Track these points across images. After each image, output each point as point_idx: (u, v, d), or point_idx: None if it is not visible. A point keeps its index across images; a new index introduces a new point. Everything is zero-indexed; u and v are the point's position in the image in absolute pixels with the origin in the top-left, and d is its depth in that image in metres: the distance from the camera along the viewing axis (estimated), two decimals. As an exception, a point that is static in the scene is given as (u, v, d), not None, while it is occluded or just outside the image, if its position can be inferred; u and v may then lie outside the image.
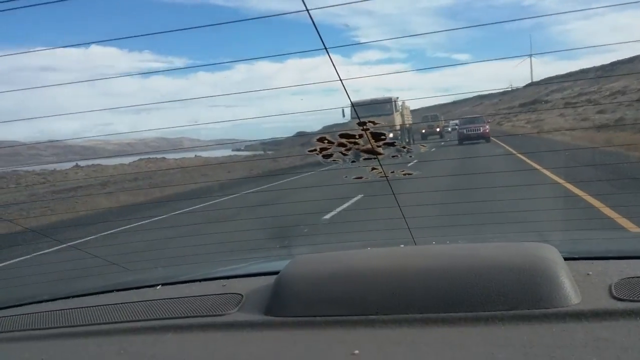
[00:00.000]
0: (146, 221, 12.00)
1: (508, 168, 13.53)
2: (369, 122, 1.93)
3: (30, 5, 1.82)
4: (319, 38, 1.37)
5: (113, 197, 18.56)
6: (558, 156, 13.95)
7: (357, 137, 2.01)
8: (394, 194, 2.31)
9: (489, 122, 34.94)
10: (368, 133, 1.96)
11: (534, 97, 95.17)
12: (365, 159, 2.10)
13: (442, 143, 34.69)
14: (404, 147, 2.18)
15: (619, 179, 9.21)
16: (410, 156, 2.14)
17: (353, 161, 2.24)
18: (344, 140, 2.05)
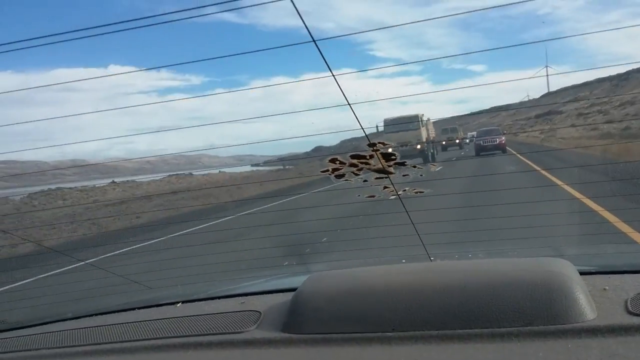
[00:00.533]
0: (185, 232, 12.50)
1: (521, 179, 13.36)
2: (380, 143, 1.97)
3: (53, 43, 1.89)
4: (327, 66, 1.41)
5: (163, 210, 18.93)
6: (569, 165, 14.10)
7: (368, 157, 2.05)
8: (407, 211, 2.33)
9: (505, 133, 36.55)
10: (378, 154, 2.00)
11: (549, 108, 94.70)
12: (377, 178, 2.14)
13: (462, 153, 36.58)
14: (414, 167, 2.21)
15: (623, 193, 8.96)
16: (421, 175, 2.17)
17: (365, 180, 2.27)
18: (355, 161, 2.09)
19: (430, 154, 33.92)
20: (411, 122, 34.01)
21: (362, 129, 1.82)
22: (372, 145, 1.97)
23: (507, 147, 32.74)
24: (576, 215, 7.40)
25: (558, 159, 20.31)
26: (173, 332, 1.54)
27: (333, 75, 1.54)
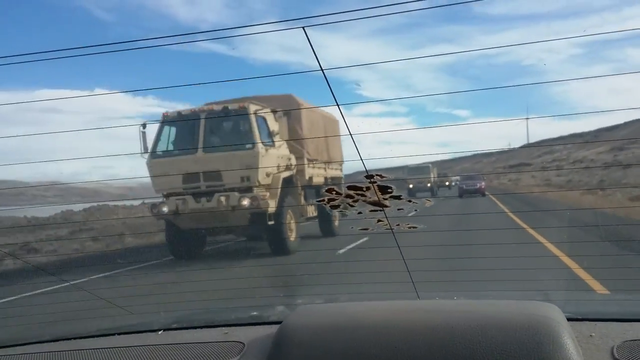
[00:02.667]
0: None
1: (496, 220, 14.40)
2: (377, 175, 1.96)
3: (37, 60, 1.87)
4: (332, 96, 1.41)
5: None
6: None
7: (365, 189, 2.03)
8: (398, 247, 2.30)
9: (484, 179, 39.21)
10: (375, 186, 1.99)
11: (522, 159, 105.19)
12: (371, 210, 2.12)
13: (441, 198, 36.49)
14: (410, 201, 2.19)
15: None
16: (416, 210, 2.17)
17: (359, 212, 2.25)
18: (351, 192, 2.07)
19: (436, 189, 47.32)
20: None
21: (362, 159, 1.80)
22: (369, 177, 1.96)
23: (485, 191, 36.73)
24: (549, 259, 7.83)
25: (520, 201, 25.96)
26: (155, 359, 1.49)
27: (337, 105, 1.54)
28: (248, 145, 11.04)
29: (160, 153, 11.62)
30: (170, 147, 11.78)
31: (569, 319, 1.35)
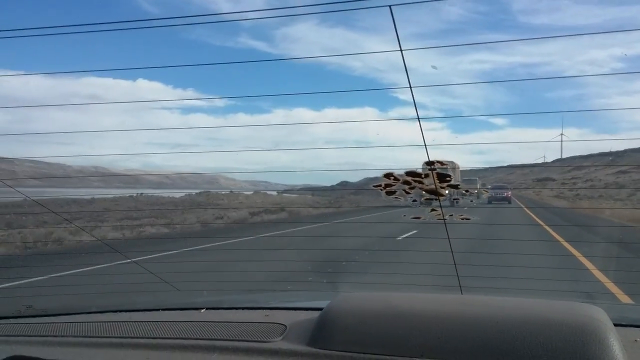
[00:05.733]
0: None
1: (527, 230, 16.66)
2: (438, 162, 1.96)
3: (86, 32, 1.95)
4: (415, 109, 1.42)
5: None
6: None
7: (423, 176, 2.03)
8: (448, 238, 2.29)
9: (511, 189, 48.82)
10: (434, 173, 1.99)
11: (549, 173, 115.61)
12: (426, 199, 2.12)
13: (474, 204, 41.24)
14: (467, 191, 2.19)
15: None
16: (472, 201, 2.16)
17: (414, 200, 2.26)
18: (409, 179, 2.07)
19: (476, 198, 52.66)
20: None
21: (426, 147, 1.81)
22: (430, 163, 1.95)
23: (512, 199, 44.79)
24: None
25: (542, 207, 33.48)
26: (198, 334, 1.51)
27: (418, 119, 1.56)
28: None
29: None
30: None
31: (614, 324, 1.32)
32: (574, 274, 6.71)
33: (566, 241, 12.41)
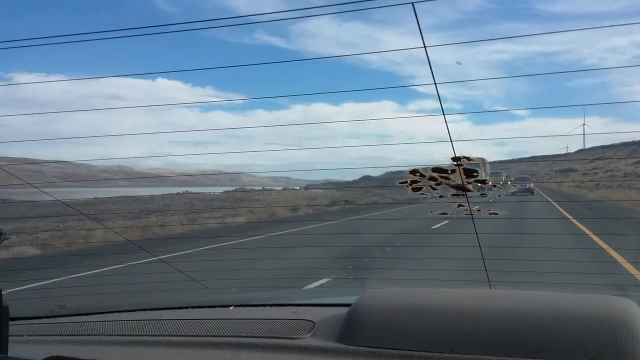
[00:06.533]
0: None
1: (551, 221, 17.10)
2: (464, 157, 1.94)
3: (107, 38, 1.98)
4: (440, 106, 1.41)
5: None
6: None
7: (450, 172, 2.01)
8: (476, 233, 2.27)
9: (533, 181, 51.58)
10: (461, 169, 1.96)
11: (572, 164, 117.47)
12: (453, 194, 2.09)
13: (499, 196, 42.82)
14: (494, 186, 2.16)
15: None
16: (499, 195, 2.12)
17: (441, 196, 2.23)
18: (435, 175, 2.05)
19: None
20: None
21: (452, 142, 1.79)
22: (456, 159, 1.93)
23: (535, 189, 47.60)
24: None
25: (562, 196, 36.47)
26: (228, 332, 1.52)
27: (444, 114, 1.54)
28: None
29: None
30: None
31: None
32: (603, 267, 6.60)
33: (594, 234, 12.28)
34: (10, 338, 1.04)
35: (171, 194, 40.66)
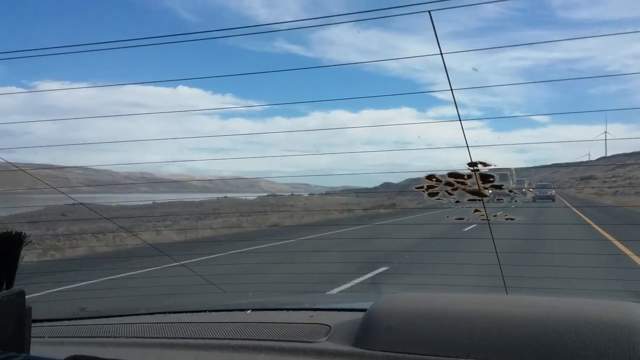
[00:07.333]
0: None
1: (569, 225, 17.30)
2: (481, 163, 1.93)
3: (131, 47, 2.02)
4: (457, 111, 1.41)
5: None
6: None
7: (466, 177, 2.00)
8: (493, 239, 2.25)
9: (555, 188, 54.89)
10: (477, 174, 1.95)
11: (593, 172, 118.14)
12: (469, 200, 2.08)
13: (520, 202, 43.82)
14: (510, 191, 2.15)
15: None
16: (516, 201, 2.11)
17: (457, 201, 2.22)
18: (451, 180, 2.04)
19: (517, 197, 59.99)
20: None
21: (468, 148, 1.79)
22: (473, 164, 1.92)
23: (556, 197, 48.38)
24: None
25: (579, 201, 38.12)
26: (245, 335, 1.52)
27: (460, 120, 1.54)
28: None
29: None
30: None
31: None
32: (622, 273, 6.49)
33: (616, 240, 12.11)
34: (31, 339, 1.07)
35: (218, 198, 43.15)
